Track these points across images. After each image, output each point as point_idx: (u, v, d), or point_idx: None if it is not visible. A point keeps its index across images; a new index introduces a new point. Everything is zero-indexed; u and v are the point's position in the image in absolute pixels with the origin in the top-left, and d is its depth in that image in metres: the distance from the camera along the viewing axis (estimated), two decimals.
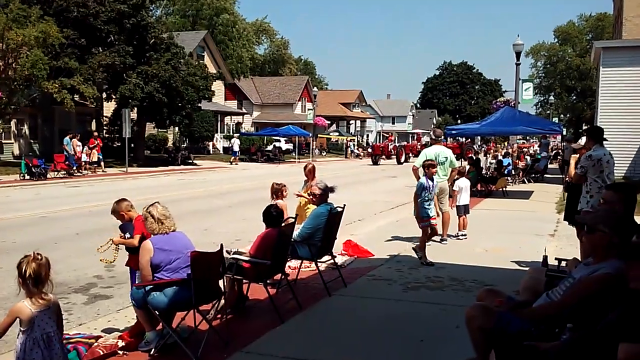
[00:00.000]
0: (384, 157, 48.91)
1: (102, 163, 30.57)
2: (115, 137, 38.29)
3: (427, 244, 10.75)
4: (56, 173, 27.19)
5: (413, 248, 9.71)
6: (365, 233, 12.41)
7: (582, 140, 11.58)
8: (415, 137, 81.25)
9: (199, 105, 38.17)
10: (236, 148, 42.93)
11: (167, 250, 5.50)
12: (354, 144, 66.21)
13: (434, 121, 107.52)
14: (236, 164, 40.41)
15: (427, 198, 9.33)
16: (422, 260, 9.24)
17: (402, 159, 48.58)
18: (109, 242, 6.13)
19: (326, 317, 6.78)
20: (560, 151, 21.81)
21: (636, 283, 3.00)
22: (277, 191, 8.68)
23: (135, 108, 34.05)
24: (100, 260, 6.25)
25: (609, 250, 3.80)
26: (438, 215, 10.18)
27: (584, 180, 7.80)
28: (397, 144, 53.22)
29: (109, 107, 38.50)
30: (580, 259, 6.90)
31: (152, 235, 5.62)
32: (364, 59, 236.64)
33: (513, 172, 25.09)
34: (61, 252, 10.23)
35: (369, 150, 49.98)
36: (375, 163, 45.79)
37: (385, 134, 66.92)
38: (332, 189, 8.17)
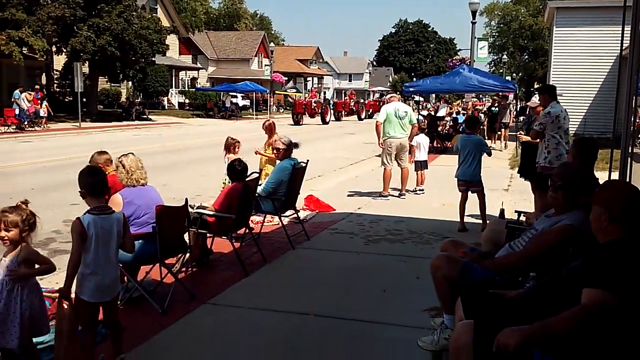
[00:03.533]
0: (345, 113, 48.40)
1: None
2: (66, 92, 37.13)
3: (386, 198, 11.00)
4: (6, 128, 26.38)
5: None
6: (326, 188, 12.49)
7: (536, 99, 11.81)
8: (373, 95, 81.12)
9: (153, 59, 37.11)
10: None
11: (137, 205, 5.43)
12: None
13: (390, 79, 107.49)
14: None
15: None
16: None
17: (363, 116, 48.37)
18: None
19: (290, 269, 6.86)
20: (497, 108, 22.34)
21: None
22: (230, 145, 8.73)
23: (87, 62, 33.03)
24: None
25: (570, 203, 3.93)
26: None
27: (542, 137, 7.96)
28: (358, 101, 52.68)
29: (59, 61, 37.18)
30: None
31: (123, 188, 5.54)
32: (320, 15, 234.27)
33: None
34: None
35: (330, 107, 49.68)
36: (336, 119, 45.36)
37: (344, 92, 66.01)
38: (296, 145, 8.23)
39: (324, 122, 40.02)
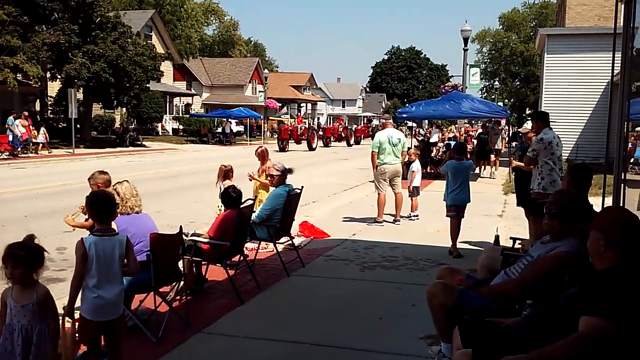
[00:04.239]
0: (333, 139, 48.49)
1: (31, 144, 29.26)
2: (60, 118, 37.04)
3: (381, 224, 11.05)
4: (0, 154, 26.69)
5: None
6: (321, 214, 12.50)
7: (528, 125, 11.88)
8: (364, 120, 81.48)
9: (147, 85, 37.28)
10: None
11: (131, 233, 5.32)
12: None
13: (383, 105, 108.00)
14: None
15: None
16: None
17: (352, 141, 48.45)
18: (77, 213, 6.01)
19: (285, 297, 6.79)
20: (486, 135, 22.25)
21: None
22: (224, 172, 8.65)
23: (82, 88, 33.09)
24: (66, 222, 6.00)
25: (566, 230, 3.94)
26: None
27: (535, 163, 7.99)
28: (347, 127, 52.77)
29: (53, 87, 37.23)
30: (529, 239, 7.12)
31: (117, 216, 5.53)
32: (314, 42, 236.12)
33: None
34: (10, 235, 9.69)
35: (320, 132, 49.41)
36: (325, 146, 45.61)
37: (336, 117, 65.89)
38: (290, 170, 8.18)
39: (310, 148, 39.32)
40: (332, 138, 47.40)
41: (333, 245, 9.34)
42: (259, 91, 61.24)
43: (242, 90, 66.14)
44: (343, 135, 48.61)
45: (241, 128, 53.61)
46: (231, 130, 48.22)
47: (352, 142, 48.45)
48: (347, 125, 54.39)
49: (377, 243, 9.46)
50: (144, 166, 24.41)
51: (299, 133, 40.95)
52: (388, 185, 11.37)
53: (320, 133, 45.56)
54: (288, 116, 55.99)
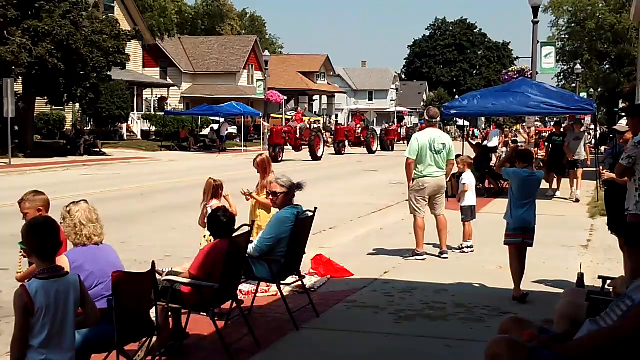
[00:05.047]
0: (349, 143, 48.02)
1: None
2: None
3: (422, 257, 11.14)
4: None
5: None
6: (341, 245, 12.51)
7: (624, 121, 11.73)
8: (395, 118, 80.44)
9: (109, 74, 37.63)
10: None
11: (88, 271, 5.43)
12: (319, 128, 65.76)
13: (424, 97, 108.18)
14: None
15: None
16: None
17: (375, 147, 48.32)
18: (20, 261, 6.09)
19: (294, 358, 6.74)
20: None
21: None
22: (212, 189, 8.81)
23: (21, 78, 33.38)
24: (18, 280, 6.04)
25: None
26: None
27: (630, 175, 7.87)
28: (368, 126, 51.90)
29: None
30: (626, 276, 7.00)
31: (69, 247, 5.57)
32: (330, 14, 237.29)
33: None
34: None
35: (329, 135, 48.98)
36: (337, 152, 45.10)
37: (362, 113, 64.85)
38: (299, 186, 8.19)
39: (315, 156, 38.90)
40: (347, 142, 47.33)
41: (357, 288, 9.30)
42: (257, 80, 61.63)
43: (235, 80, 66.64)
44: (362, 139, 47.99)
45: (234, 129, 54.01)
46: (227, 133, 48.51)
47: (374, 147, 48.35)
48: (368, 124, 54.11)
49: (417, 284, 9.42)
50: (105, 181, 24.50)
51: (298, 136, 40.06)
52: (427, 205, 11.36)
53: (331, 136, 45.69)
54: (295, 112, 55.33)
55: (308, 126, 42.68)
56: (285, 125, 42.38)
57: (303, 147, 40.28)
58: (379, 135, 51.92)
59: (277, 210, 8.00)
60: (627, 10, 55.71)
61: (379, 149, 50.04)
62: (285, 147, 39.63)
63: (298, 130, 40.37)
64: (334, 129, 49.61)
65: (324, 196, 19.21)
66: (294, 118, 44.24)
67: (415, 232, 11.31)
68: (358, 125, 49.32)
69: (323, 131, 46.02)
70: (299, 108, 55.71)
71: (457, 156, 12.76)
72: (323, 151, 40.72)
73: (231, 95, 60.06)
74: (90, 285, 5.42)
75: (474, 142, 25.61)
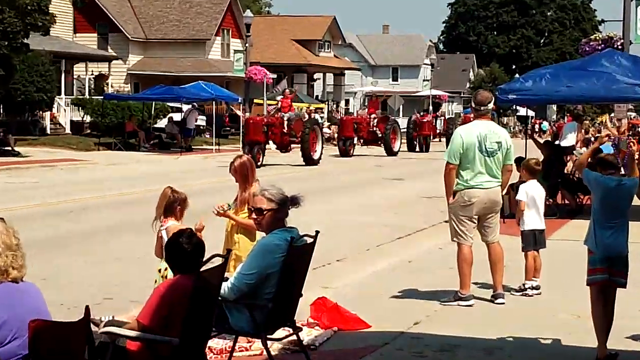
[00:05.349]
0: (360, 141, 47.32)
1: None
2: None
3: (468, 303, 11.10)
4: None
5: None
6: (353, 285, 12.44)
7: None
8: (431, 104, 77.41)
9: (25, 41, 37.80)
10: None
11: (1, 320, 5.47)
12: (321, 118, 60.34)
13: (471, 76, 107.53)
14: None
15: None
16: None
17: (396, 146, 47.66)
18: None
19: None
20: None
21: None
22: (171, 205, 8.83)
23: None
24: None
25: None
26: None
27: None
28: (388, 116, 51.08)
29: None
30: None
31: None
32: None
33: (623, 170, 25.08)
34: None
35: (329, 129, 47.85)
36: (343, 154, 44.31)
37: (378, 97, 62.44)
38: (294, 201, 8.03)
39: (308, 160, 38.17)
40: (357, 139, 46.40)
41: (376, 345, 9.19)
42: (236, 52, 59.23)
43: (204, 51, 64.83)
44: (379, 134, 47.42)
45: (202, 120, 52.08)
46: (196, 125, 47.64)
47: (396, 146, 47.48)
48: (389, 113, 53.02)
49: (459, 340, 9.37)
50: (19, 193, 24.57)
51: (285, 130, 38.85)
52: (475, 228, 11.20)
53: (329, 131, 44.07)
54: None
55: (301, 116, 41.58)
56: (267, 116, 40.57)
57: (293, 145, 39.15)
58: (405, 130, 50.50)
59: (263, 234, 7.87)
60: None
61: (402, 148, 48.84)
62: (268, 146, 38.61)
63: (285, 123, 38.84)
64: (337, 120, 48.13)
65: (329, 215, 19.46)
66: (279, 105, 42.54)
67: (458, 267, 11.08)
68: (373, 116, 47.99)
69: (324, 123, 45.18)
70: (289, 90, 50.68)
71: (519, 160, 12.65)
72: (321, 152, 39.45)
73: (198, 72, 58.24)
74: (3, 338, 5.47)
75: (541, 140, 25.39)
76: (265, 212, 7.78)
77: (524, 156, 14.50)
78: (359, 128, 46.45)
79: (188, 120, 46.34)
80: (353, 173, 34.06)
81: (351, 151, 45.18)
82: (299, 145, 38.23)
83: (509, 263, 11.61)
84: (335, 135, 48.96)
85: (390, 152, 46.41)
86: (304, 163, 37.52)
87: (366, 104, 61.96)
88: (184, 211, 8.85)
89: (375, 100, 52.85)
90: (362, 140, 46.96)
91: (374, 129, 47.09)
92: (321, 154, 39.50)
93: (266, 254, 7.54)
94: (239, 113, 48.97)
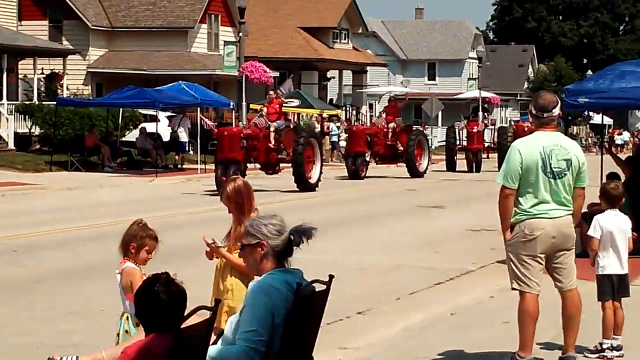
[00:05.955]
0: (377, 159, 42.68)
1: None
2: None
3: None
4: None
5: None
6: (378, 344, 11.45)
7: None
8: (477, 109, 61.70)
9: None
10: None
11: None
12: (338, 128, 56.92)
13: (530, 73, 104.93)
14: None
15: None
16: None
17: (426, 164, 42.14)
18: None
19: None
20: None
21: None
22: (135, 242, 7.96)
23: None
24: None
25: None
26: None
27: None
28: (412, 126, 46.21)
29: None
30: None
31: None
32: None
33: None
34: None
35: (330, 142, 46.03)
36: (353, 175, 39.43)
37: (399, 100, 52.75)
38: (306, 233, 6.94)
39: (302, 183, 32.67)
40: (372, 155, 41.88)
41: None
42: (227, 44, 53.88)
43: (185, 42, 59.38)
44: (399, 149, 42.38)
45: (181, 132, 45.85)
46: (176, 138, 42.34)
47: (422, 166, 42.21)
48: (424, 121, 50.70)
49: None
50: None
51: (271, 144, 32.90)
52: (543, 272, 9.94)
53: (340, 143, 42.49)
54: (295, 103, 46.61)
55: (290, 125, 35.84)
56: (247, 126, 35.30)
57: (282, 163, 33.72)
58: (445, 143, 45.55)
59: (257, 277, 7.00)
60: None
61: (431, 168, 43.31)
62: (250, 165, 33.06)
63: (272, 134, 33.03)
64: (345, 128, 43.34)
65: (344, 254, 18.37)
66: (263, 111, 35.79)
67: (519, 322, 9.91)
68: (391, 124, 42.19)
69: (341, 134, 42.58)
70: (277, 92, 40.03)
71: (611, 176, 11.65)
72: (320, 173, 33.98)
73: (178, 69, 54.08)
74: None
75: (622, 156, 23.71)
76: (264, 246, 6.90)
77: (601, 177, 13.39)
78: (374, 141, 41.21)
79: (179, 131, 42.41)
80: (371, 200, 32.47)
81: (363, 171, 40.25)
82: (292, 164, 33.08)
83: (582, 316, 10.49)
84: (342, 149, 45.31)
85: (415, 173, 41.37)
86: (296, 188, 32.99)
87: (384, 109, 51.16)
88: (140, 252, 8.05)
89: (395, 104, 45.52)
90: (377, 157, 42.00)
91: (392, 142, 42.08)
92: (320, 176, 34.37)
93: (266, 301, 6.76)
94: (217, 122, 45.23)
